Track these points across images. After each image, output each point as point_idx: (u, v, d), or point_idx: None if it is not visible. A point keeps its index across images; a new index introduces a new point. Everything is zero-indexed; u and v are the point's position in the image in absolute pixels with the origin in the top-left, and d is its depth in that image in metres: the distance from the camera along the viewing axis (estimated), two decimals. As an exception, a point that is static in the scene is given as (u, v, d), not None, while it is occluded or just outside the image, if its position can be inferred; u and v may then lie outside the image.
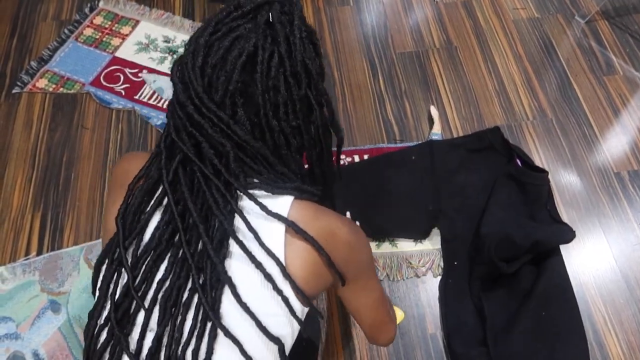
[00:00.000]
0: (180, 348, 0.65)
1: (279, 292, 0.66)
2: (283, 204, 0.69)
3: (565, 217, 1.45)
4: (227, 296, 0.65)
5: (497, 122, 1.64)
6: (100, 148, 1.61)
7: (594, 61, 1.79)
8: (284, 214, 0.68)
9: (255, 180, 0.70)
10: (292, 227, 0.67)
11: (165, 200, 0.69)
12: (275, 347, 0.67)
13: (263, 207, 0.67)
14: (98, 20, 1.92)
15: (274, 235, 0.67)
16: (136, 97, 1.71)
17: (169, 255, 0.67)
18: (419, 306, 1.33)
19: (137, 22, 1.91)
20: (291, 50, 0.67)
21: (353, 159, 1.57)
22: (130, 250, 0.69)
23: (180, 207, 0.68)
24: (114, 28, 1.89)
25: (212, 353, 0.64)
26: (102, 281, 0.70)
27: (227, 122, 0.66)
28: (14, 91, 1.73)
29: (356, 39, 1.87)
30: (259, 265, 0.65)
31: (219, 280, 0.65)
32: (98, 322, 0.69)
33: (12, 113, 1.69)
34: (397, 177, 1.50)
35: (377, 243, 1.41)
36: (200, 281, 0.65)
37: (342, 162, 1.55)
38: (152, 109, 1.68)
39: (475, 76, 1.76)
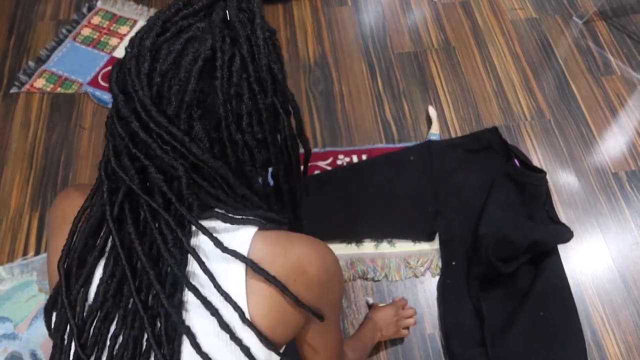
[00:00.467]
0: None
1: (238, 341, 0.58)
2: (244, 238, 0.60)
3: (563, 217, 1.45)
4: (187, 346, 0.58)
5: (495, 122, 1.64)
6: (98, 148, 1.61)
7: (592, 62, 1.79)
8: (244, 250, 0.59)
9: (213, 210, 0.61)
10: (252, 267, 0.58)
11: (110, 242, 0.60)
12: None
13: (218, 244, 0.58)
14: (96, 20, 1.91)
15: (233, 277, 0.59)
16: (134, 97, 1.71)
17: (119, 310, 0.59)
18: (417, 306, 1.33)
19: (135, 22, 1.91)
20: (254, 53, 0.59)
21: (351, 159, 1.57)
22: (78, 303, 0.60)
23: (126, 249, 0.59)
24: (112, 28, 1.89)
25: None
26: (54, 332, 0.62)
27: (182, 139, 0.56)
28: (11, 91, 1.73)
29: (354, 39, 1.87)
30: (214, 313, 0.57)
31: (175, 329, 0.57)
32: None
33: (10, 113, 1.69)
34: (396, 177, 1.50)
35: (375, 243, 1.41)
36: (157, 331, 0.57)
37: (340, 163, 1.55)
38: (150, 109, 1.68)
39: (474, 76, 1.76)
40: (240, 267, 0.59)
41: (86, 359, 0.58)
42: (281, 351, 0.63)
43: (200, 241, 0.60)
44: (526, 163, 1.47)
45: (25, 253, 1.42)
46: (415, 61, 1.80)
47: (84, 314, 0.60)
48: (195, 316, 0.58)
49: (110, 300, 0.59)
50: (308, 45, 1.85)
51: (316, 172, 1.53)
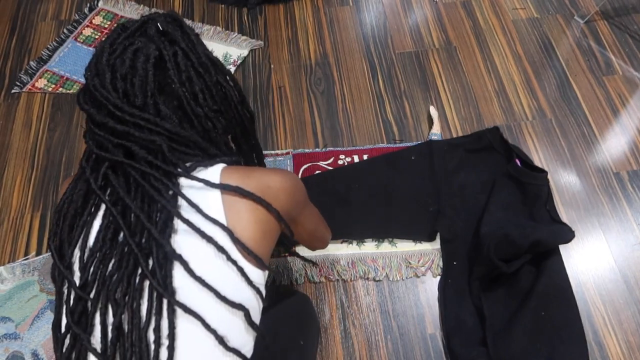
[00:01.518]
0: (141, 331, 0.66)
1: (234, 262, 0.68)
2: (214, 172, 0.73)
3: (564, 217, 1.45)
4: (179, 273, 0.67)
5: (496, 122, 1.64)
6: (100, 148, 1.61)
7: (593, 61, 1.79)
8: (216, 179, 0.72)
9: (191, 163, 0.74)
10: (225, 188, 0.71)
11: (102, 208, 0.72)
12: (240, 313, 0.70)
13: (193, 177, 0.70)
14: (97, 20, 1.92)
15: (212, 203, 0.70)
16: (135, 97, 1.71)
17: (115, 252, 0.69)
18: (419, 306, 1.33)
19: (137, 22, 1.91)
20: (191, 46, 0.75)
21: (353, 159, 1.57)
22: (77, 259, 0.70)
23: (119, 207, 0.70)
24: (113, 28, 1.89)
25: (174, 327, 0.65)
26: (56, 289, 0.72)
27: (154, 121, 0.70)
28: (13, 91, 1.73)
29: (355, 39, 1.87)
30: (210, 240, 0.67)
31: (166, 259, 0.66)
32: (58, 334, 0.70)
33: (11, 113, 1.69)
34: (397, 177, 1.50)
35: (376, 243, 1.41)
36: (150, 266, 0.66)
37: (341, 163, 1.55)
38: (152, 109, 1.68)
39: (475, 76, 1.76)
40: (216, 194, 0.71)
41: (86, 296, 0.67)
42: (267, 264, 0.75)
43: (182, 188, 0.72)
44: (527, 163, 1.47)
45: (26, 253, 1.42)
46: (416, 61, 1.80)
47: (84, 258, 0.69)
48: (185, 247, 0.68)
49: (107, 244, 0.69)
50: (309, 45, 1.85)
51: (317, 171, 1.53)
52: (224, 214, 0.70)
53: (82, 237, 0.71)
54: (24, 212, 1.49)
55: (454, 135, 1.61)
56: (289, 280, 1.36)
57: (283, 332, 0.95)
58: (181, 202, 0.70)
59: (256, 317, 0.73)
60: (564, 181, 1.53)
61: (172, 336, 0.65)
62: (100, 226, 0.70)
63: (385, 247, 1.41)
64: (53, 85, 1.74)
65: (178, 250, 0.67)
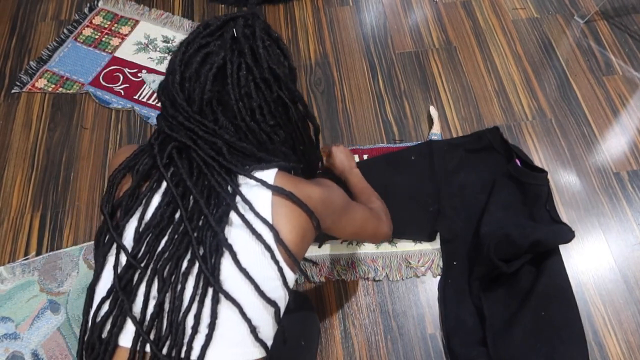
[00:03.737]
0: (181, 315, 0.68)
1: (276, 262, 0.72)
2: (269, 175, 0.77)
3: (564, 217, 1.45)
4: (226, 263, 0.70)
5: (496, 122, 1.64)
6: (100, 148, 1.61)
7: (593, 61, 1.79)
8: (270, 181, 0.76)
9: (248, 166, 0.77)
10: (277, 191, 0.74)
11: (164, 185, 0.75)
12: (272, 309, 0.73)
13: (251, 176, 0.74)
14: (97, 20, 1.91)
15: (262, 203, 0.74)
16: (135, 97, 1.71)
17: (169, 230, 0.72)
18: (418, 306, 1.33)
19: (137, 22, 1.91)
20: (256, 59, 0.75)
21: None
22: (132, 228, 0.74)
23: (180, 189, 0.73)
24: (113, 28, 1.89)
25: (216, 317, 0.68)
26: (98, 254, 0.75)
27: (213, 128, 0.74)
28: (13, 91, 1.73)
29: (355, 39, 1.87)
30: (259, 237, 0.71)
31: (217, 249, 0.70)
32: (96, 292, 0.73)
33: (11, 113, 1.69)
34: (397, 177, 1.50)
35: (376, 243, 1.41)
36: (200, 252, 0.70)
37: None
38: (152, 109, 1.68)
39: (475, 76, 1.76)
40: (267, 195, 0.74)
41: (138, 257, 0.71)
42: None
43: (238, 184, 0.75)
44: (527, 163, 1.47)
45: (26, 253, 1.42)
46: (416, 61, 1.80)
47: (140, 229, 0.73)
48: (235, 240, 0.71)
49: (165, 221, 0.72)
50: (309, 45, 1.85)
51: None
52: (271, 214, 0.74)
53: (141, 209, 0.74)
54: (24, 212, 1.49)
55: (454, 135, 1.61)
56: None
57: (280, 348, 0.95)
58: (237, 198, 0.73)
59: (282, 314, 0.77)
60: (564, 181, 1.53)
61: (212, 326, 0.68)
62: (160, 203, 0.73)
63: (385, 247, 1.41)
64: (53, 85, 1.74)
65: (229, 241, 0.71)
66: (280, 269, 0.73)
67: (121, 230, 0.74)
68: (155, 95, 1.71)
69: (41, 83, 1.75)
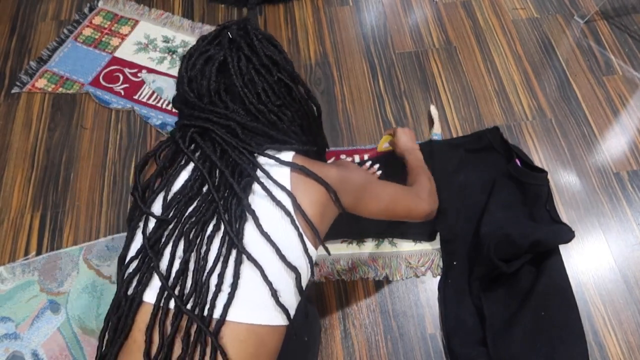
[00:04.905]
0: (205, 274, 0.72)
1: (296, 227, 0.77)
2: (286, 155, 0.83)
3: (564, 217, 1.45)
4: (249, 229, 0.75)
5: (496, 122, 1.64)
6: (100, 148, 1.61)
7: (593, 61, 1.79)
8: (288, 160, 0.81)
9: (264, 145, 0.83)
10: (299, 168, 0.80)
11: (190, 166, 0.81)
12: (292, 275, 0.77)
13: (271, 157, 0.80)
14: (97, 20, 1.91)
15: (282, 177, 0.79)
16: (135, 97, 1.71)
17: (197, 199, 0.78)
18: (418, 306, 1.33)
19: (137, 22, 1.91)
20: (253, 50, 0.82)
21: (353, 158, 1.57)
22: (160, 200, 0.79)
23: (207, 164, 0.79)
24: (113, 28, 1.89)
25: (238, 277, 0.72)
26: (129, 228, 0.81)
27: (224, 113, 0.80)
28: (13, 91, 1.73)
29: (355, 39, 1.87)
30: (279, 203, 0.76)
31: (241, 215, 0.75)
32: (128, 254, 0.78)
33: (11, 113, 1.69)
34: (397, 177, 1.49)
35: (376, 243, 1.41)
36: (226, 217, 0.75)
37: (341, 162, 1.55)
38: (152, 109, 1.68)
39: (475, 76, 1.76)
40: (286, 171, 0.80)
41: (167, 218, 0.76)
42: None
43: (258, 162, 0.80)
44: (527, 163, 1.47)
45: (26, 253, 1.42)
46: (416, 61, 1.80)
47: (168, 198, 0.78)
48: (257, 208, 0.76)
49: (194, 190, 0.78)
50: (309, 45, 1.85)
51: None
52: (290, 188, 0.79)
53: (167, 185, 0.80)
54: (24, 212, 1.49)
55: (454, 135, 1.61)
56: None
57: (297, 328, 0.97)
58: (258, 172, 0.79)
59: (304, 284, 0.80)
60: (564, 181, 1.53)
61: (234, 285, 0.71)
62: (189, 177, 0.79)
63: (385, 247, 1.41)
64: (53, 85, 1.74)
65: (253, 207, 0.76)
66: (300, 235, 0.77)
67: (149, 204, 0.79)
68: (155, 95, 1.71)
69: (41, 83, 1.75)
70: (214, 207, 0.76)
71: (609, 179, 1.53)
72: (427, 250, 1.40)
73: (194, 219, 0.76)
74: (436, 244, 1.41)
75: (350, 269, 1.37)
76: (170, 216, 0.76)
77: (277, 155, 0.82)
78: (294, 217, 0.77)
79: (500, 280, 1.30)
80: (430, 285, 1.36)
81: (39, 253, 1.42)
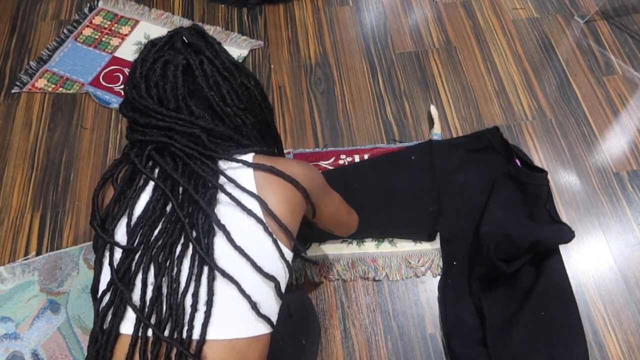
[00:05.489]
0: (179, 296, 0.70)
1: (270, 234, 0.75)
2: (247, 157, 0.82)
3: (564, 217, 1.45)
4: (220, 242, 0.73)
5: (496, 122, 1.64)
6: (100, 148, 1.61)
7: (593, 61, 1.79)
8: (249, 161, 0.80)
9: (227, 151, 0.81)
10: (258, 167, 0.79)
11: (149, 186, 0.78)
12: (271, 284, 0.76)
13: (235, 160, 0.79)
14: (97, 20, 1.92)
15: (246, 182, 0.78)
16: (135, 97, 1.71)
17: (162, 221, 0.75)
18: (418, 306, 1.33)
19: (137, 22, 1.91)
20: (214, 53, 0.82)
21: (353, 158, 1.57)
22: (123, 227, 0.76)
23: (168, 183, 0.76)
24: (113, 28, 1.89)
25: (213, 294, 0.70)
26: (95, 260, 0.78)
27: (190, 120, 0.78)
28: (13, 91, 1.73)
29: (355, 39, 1.87)
30: (249, 212, 0.74)
31: (209, 230, 0.73)
32: (99, 286, 0.76)
33: (11, 113, 1.69)
34: (397, 177, 1.50)
35: (376, 243, 1.41)
36: (193, 235, 0.73)
37: (342, 162, 1.55)
38: (152, 109, 1.68)
39: (475, 76, 1.76)
40: (250, 174, 0.78)
41: (134, 247, 0.73)
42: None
43: (220, 169, 0.79)
44: (527, 163, 1.47)
45: (26, 253, 1.42)
46: (416, 61, 1.80)
47: (131, 224, 0.75)
48: (226, 220, 0.74)
49: (157, 212, 0.75)
50: (309, 45, 1.85)
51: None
52: (256, 190, 0.77)
53: (128, 209, 0.77)
54: (24, 212, 1.49)
55: (454, 135, 1.61)
56: (289, 280, 1.36)
57: (285, 332, 0.96)
58: (222, 180, 0.77)
59: (283, 289, 0.79)
60: (564, 181, 1.53)
61: (209, 303, 0.70)
62: (150, 198, 0.76)
63: (385, 247, 1.41)
64: (53, 85, 1.74)
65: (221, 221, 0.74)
66: (275, 241, 0.76)
67: (111, 232, 0.76)
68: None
69: (41, 83, 1.75)
70: (180, 226, 0.74)
71: (609, 179, 1.53)
72: (427, 250, 1.40)
73: (160, 241, 0.73)
74: (436, 244, 1.41)
75: (350, 269, 1.37)
76: (136, 243, 0.74)
77: (240, 157, 0.80)
78: (266, 223, 0.75)
79: (500, 280, 1.30)
80: (430, 285, 1.36)
81: (39, 253, 1.42)
